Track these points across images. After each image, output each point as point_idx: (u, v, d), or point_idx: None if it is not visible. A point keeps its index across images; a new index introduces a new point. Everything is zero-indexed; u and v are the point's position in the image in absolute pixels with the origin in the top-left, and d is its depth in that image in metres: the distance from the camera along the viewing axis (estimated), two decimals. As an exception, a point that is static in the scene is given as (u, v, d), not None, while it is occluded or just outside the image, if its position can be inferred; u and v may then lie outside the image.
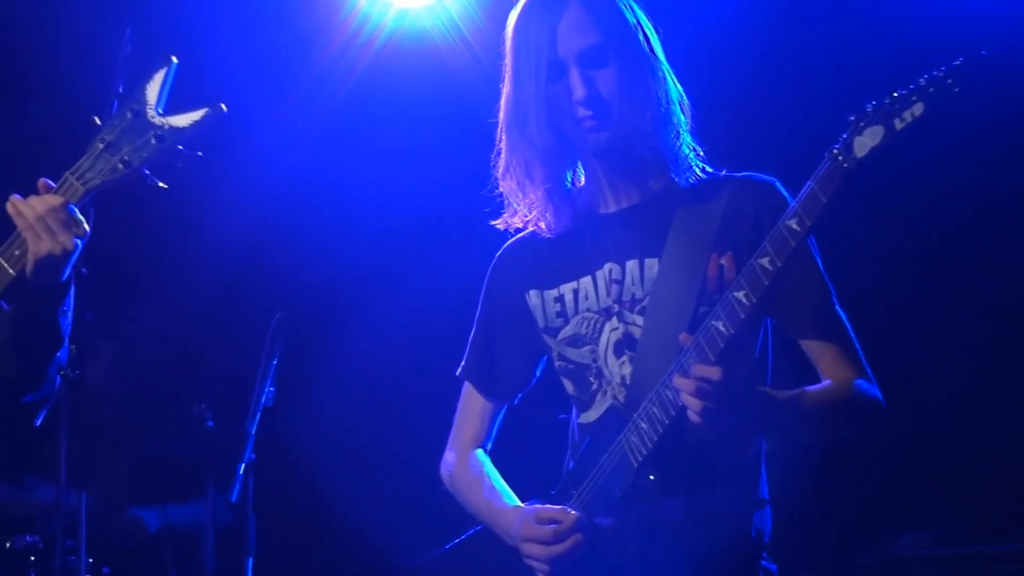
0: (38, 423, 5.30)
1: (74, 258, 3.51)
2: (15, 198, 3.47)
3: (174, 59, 3.50)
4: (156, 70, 3.50)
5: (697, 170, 3.58)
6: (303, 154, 7.07)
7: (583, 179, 3.71)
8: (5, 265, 3.48)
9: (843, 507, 6.28)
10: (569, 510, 3.48)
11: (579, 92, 3.49)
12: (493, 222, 3.75)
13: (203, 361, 7.18)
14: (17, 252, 3.48)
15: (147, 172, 3.51)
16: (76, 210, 3.47)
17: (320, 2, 6.84)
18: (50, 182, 3.50)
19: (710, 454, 3.43)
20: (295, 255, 7.24)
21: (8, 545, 6.01)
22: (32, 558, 6.05)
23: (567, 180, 3.67)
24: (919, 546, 5.88)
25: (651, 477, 3.37)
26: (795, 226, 3.17)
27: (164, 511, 6.65)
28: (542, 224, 3.68)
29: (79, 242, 3.48)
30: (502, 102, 3.67)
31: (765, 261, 3.20)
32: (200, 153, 3.53)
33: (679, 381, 3.25)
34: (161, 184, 3.55)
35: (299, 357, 6.29)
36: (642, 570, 3.42)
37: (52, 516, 5.80)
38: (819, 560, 5.92)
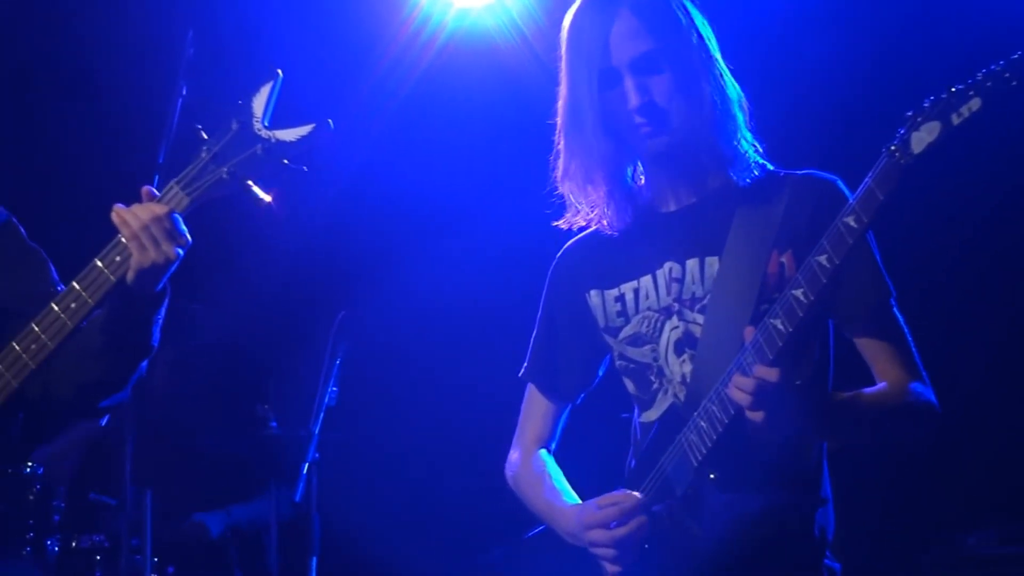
0: (103, 423, 5.39)
1: (174, 268, 3.51)
2: (119, 207, 3.48)
3: (280, 72, 3.54)
4: (263, 83, 3.53)
5: (756, 168, 3.59)
6: (365, 153, 7.10)
7: (643, 178, 3.73)
8: (106, 271, 3.49)
9: (909, 505, 6.25)
10: (631, 492, 3.49)
11: (634, 100, 3.50)
12: (556, 223, 3.77)
13: (266, 362, 7.23)
14: (118, 259, 3.48)
15: (251, 184, 3.52)
16: (180, 220, 3.48)
17: (382, 2, 6.89)
18: (154, 190, 3.51)
19: (770, 452, 3.42)
20: (358, 255, 7.29)
21: (75, 544, 6.09)
22: (98, 557, 6.12)
23: (628, 178, 3.69)
24: (985, 545, 5.86)
25: (711, 476, 3.37)
26: (852, 223, 3.17)
27: (228, 513, 6.71)
28: (604, 222, 3.70)
29: (181, 251, 3.49)
30: (559, 106, 3.69)
31: (823, 259, 3.20)
32: (305, 168, 3.55)
33: (738, 381, 3.26)
34: (264, 196, 3.57)
35: (362, 357, 6.33)
36: (705, 561, 3.42)
37: (118, 516, 5.86)
38: (884, 559, 5.90)
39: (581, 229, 3.79)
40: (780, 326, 3.24)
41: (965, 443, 5.93)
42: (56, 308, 3.50)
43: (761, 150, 3.64)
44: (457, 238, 7.07)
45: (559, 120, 3.69)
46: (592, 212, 3.70)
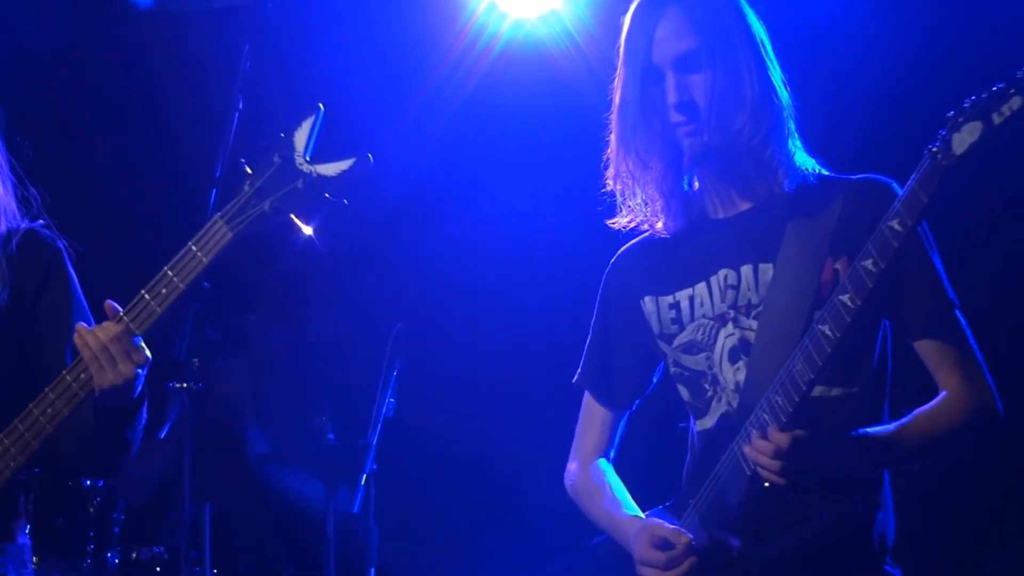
0: (162, 436, 5.47)
1: (139, 383, 3.60)
2: (81, 326, 3.57)
3: (321, 106, 3.58)
4: (305, 117, 3.58)
5: (809, 173, 3.61)
6: (421, 163, 7.15)
7: (697, 183, 3.75)
8: (74, 386, 3.59)
9: (973, 509, 6.18)
10: (683, 532, 3.48)
11: (672, 97, 3.54)
12: (609, 221, 3.79)
13: (324, 374, 7.28)
14: (83, 376, 3.58)
15: (293, 218, 3.58)
16: (140, 340, 3.54)
17: (437, 13, 6.93)
18: (116, 306, 3.58)
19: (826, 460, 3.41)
20: (414, 265, 7.31)
21: (135, 556, 6.15)
22: (158, 569, 6.18)
23: (683, 182, 3.71)
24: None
25: (765, 484, 3.35)
26: (897, 226, 3.18)
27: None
28: (657, 224, 3.73)
29: (140, 371, 3.56)
30: (613, 103, 3.73)
31: (868, 263, 3.21)
32: (346, 201, 3.60)
33: (757, 445, 3.30)
34: (306, 230, 3.63)
35: (419, 368, 6.37)
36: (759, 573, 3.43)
37: (177, 528, 5.92)
38: (947, 567, 5.86)
39: (634, 234, 3.83)
40: (828, 332, 3.26)
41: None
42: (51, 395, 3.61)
43: (812, 157, 3.66)
44: (513, 248, 7.09)
45: (612, 117, 3.73)
46: (645, 210, 3.73)
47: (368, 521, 6.08)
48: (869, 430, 3.39)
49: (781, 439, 3.25)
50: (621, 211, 3.77)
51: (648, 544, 3.50)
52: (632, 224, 3.79)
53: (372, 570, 6.08)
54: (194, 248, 3.56)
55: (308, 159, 3.56)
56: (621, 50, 3.70)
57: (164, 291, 3.55)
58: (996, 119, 3.06)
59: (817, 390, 3.41)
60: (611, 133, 3.74)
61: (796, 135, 3.63)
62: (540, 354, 6.75)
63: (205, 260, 3.55)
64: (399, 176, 7.02)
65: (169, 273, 3.56)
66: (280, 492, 6.88)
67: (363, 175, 3.56)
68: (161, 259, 3.59)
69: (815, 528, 3.43)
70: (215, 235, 3.56)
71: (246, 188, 3.58)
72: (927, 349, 3.53)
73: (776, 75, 3.63)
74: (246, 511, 6.77)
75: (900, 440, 3.41)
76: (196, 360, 5.63)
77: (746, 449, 3.35)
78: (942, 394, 3.50)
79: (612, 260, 3.94)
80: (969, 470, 5.87)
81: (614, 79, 3.73)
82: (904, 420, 3.45)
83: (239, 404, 6.89)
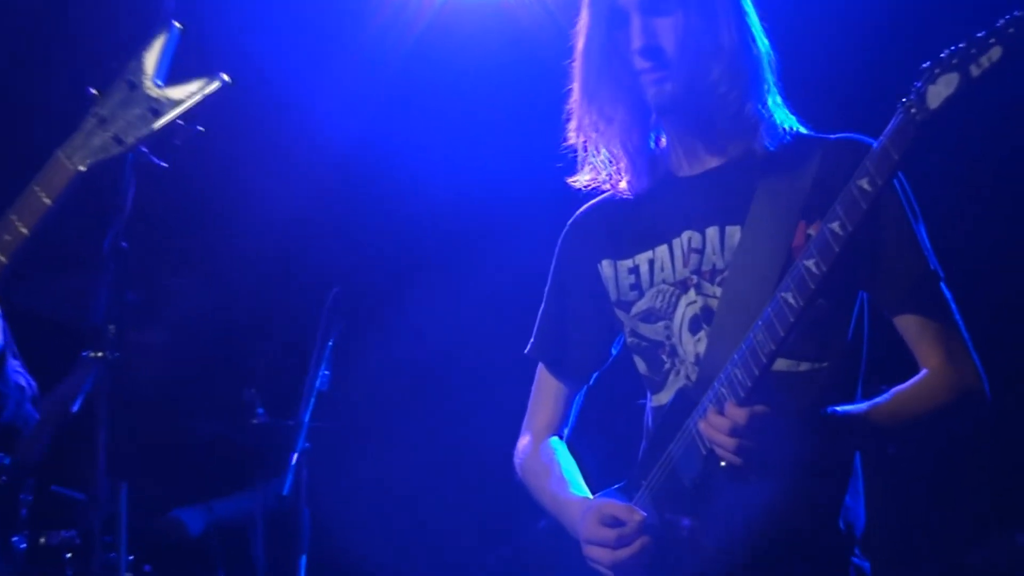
0: (75, 409, 5.43)
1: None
2: None
3: (177, 24, 3.52)
4: (156, 35, 3.51)
5: (787, 132, 3.60)
6: (360, 118, 7.14)
7: (664, 140, 3.75)
8: None
9: (950, 498, 6.22)
10: (635, 509, 3.49)
11: (637, 41, 3.51)
12: (570, 179, 3.79)
13: (253, 344, 7.27)
14: None
15: (144, 150, 3.54)
16: None
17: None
18: None
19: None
20: (352, 226, 7.31)
21: (43, 541, 6.10)
22: (68, 555, 6.13)
23: (649, 139, 3.71)
24: (1034, 546, 5.86)
25: (722, 464, 3.34)
26: (866, 186, 3.16)
27: (209, 508, 6.74)
28: (621, 183, 3.73)
29: None
30: (576, 52, 3.71)
31: (835, 226, 3.20)
32: (201, 129, 3.56)
33: (712, 420, 3.30)
34: (161, 164, 3.58)
35: (357, 337, 6.36)
36: (717, 569, 3.42)
37: (90, 510, 5.89)
38: (921, 558, 5.88)
39: (594, 194, 3.82)
40: (791, 300, 3.25)
41: (1015, 434, 5.93)
42: None
43: (789, 113, 3.65)
44: (463, 207, 7.11)
45: (575, 65, 3.71)
46: (608, 168, 3.73)
47: (300, 504, 6.07)
48: (839, 408, 3.39)
49: (738, 414, 3.24)
50: (582, 168, 3.77)
51: (596, 522, 3.49)
52: (594, 184, 3.78)
53: (303, 557, 6.08)
54: (36, 188, 3.51)
55: (159, 83, 3.50)
56: None
57: (8, 238, 3.52)
58: (974, 71, 3.04)
59: (783, 364, 3.43)
60: (574, 82, 3.72)
61: (776, 90, 3.62)
62: (490, 322, 6.74)
63: (48, 201, 3.50)
64: (337, 130, 7.01)
65: (12, 218, 3.52)
66: (204, 471, 6.84)
67: (219, 98, 3.50)
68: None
69: (775, 513, 3.39)
70: (57, 171, 3.51)
71: (89, 117, 3.52)
72: (907, 324, 3.53)
73: (755, 22, 3.61)
74: (166, 491, 6.73)
75: (873, 420, 3.41)
76: (113, 327, 5.58)
77: (701, 425, 3.35)
78: (922, 372, 3.50)
79: (569, 221, 3.93)
80: (946, 454, 5.93)
81: (576, 22, 3.71)
82: (879, 399, 3.44)
83: (160, 375, 6.85)
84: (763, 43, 3.61)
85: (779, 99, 3.63)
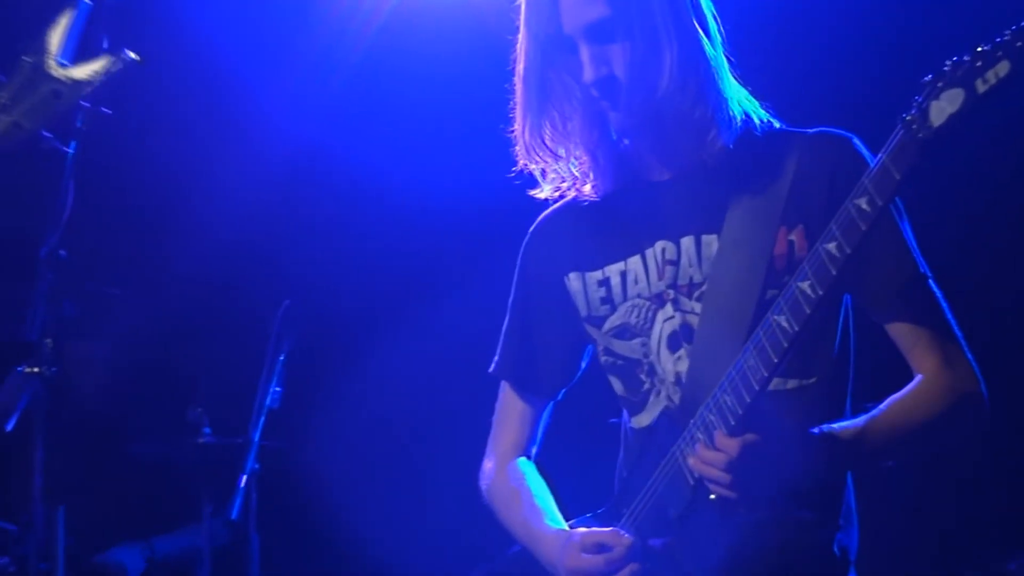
0: (9, 428, 5.36)
1: None
2: None
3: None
4: (62, 11, 3.44)
5: (756, 126, 3.57)
6: (315, 119, 7.12)
7: (627, 140, 3.69)
8: None
9: (942, 523, 6.25)
10: (622, 533, 3.46)
11: (588, 74, 3.48)
12: (532, 192, 3.76)
13: (199, 359, 7.21)
14: None
15: (46, 135, 3.49)
16: None
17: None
18: None
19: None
20: (305, 235, 7.29)
21: (-27, 567, 6.06)
22: (2, 584, 6.09)
23: (611, 135, 3.65)
24: (1030, 571, 5.86)
25: (711, 497, 3.32)
26: (865, 206, 3.12)
27: (150, 547, 6.69)
28: (586, 188, 3.69)
29: None
30: (517, 74, 3.67)
31: (832, 247, 3.17)
32: (107, 111, 3.49)
33: (703, 455, 3.27)
34: (64, 149, 3.51)
35: (309, 353, 6.32)
36: None
37: (25, 535, 5.82)
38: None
39: (555, 198, 3.79)
40: (785, 324, 3.22)
41: (1009, 453, 5.92)
42: None
43: (761, 110, 3.62)
44: (420, 214, 7.07)
45: (517, 86, 3.68)
46: (572, 172, 3.69)
47: (248, 529, 6.01)
48: (835, 426, 3.36)
49: (730, 446, 3.22)
50: (544, 181, 3.73)
51: (580, 552, 3.46)
52: (558, 193, 3.75)
53: (252, 587, 6.04)
54: None
55: (63, 62, 3.43)
56: (522, 11, 3.64)
57: None
58: (980, 87, 2.99)
59: (771, 383, 3.36)
60: (516, 106, 3.69)
61: (733, 87, 3.58)
62: (451, 338, 6.72)
63: None
64: (289, 137, 6.98)
65: None
66: (145, 498, 6.78)
67: (124, 76, 3.44)
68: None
69: (768, 541, 3.39)
70: None
71: None
72: (898, 328, 3.51)
73: (699, 22, 3.55)
74: (106, 516, 6.67)
75: (872, 435, 3.38)
76: (50, 341, 5.53)
77: (691, 461, 3.32)
78: (917, 379, 3.48)
79: (531, 228, 3.90)
80: (938, 478, 5.93)
81: (516, 41, 3.67)
82: (875, 412, 3.42)
83: (99, 392, 6.79)
84: (710, 45, 3.56)
85: (744, 93, 3.61)
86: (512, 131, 3.72)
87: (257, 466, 5.97)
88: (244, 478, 5.88)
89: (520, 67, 3.64)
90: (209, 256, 7.10)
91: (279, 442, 6.19)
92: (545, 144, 3.63)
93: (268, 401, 6.06)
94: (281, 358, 6.14)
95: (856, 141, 3.52)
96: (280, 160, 7.08)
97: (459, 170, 6.76)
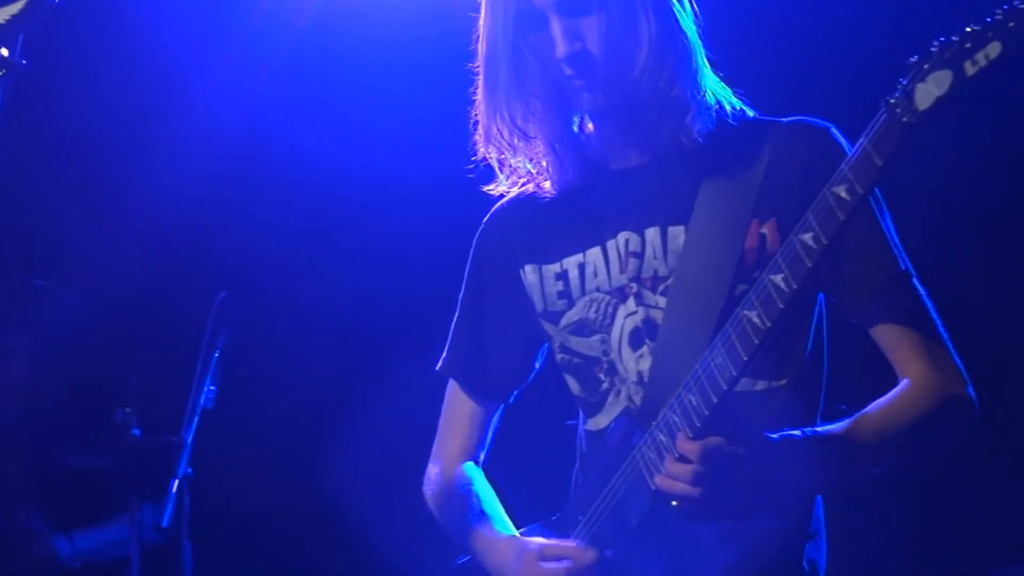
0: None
1: None
2: None
3: None
4: None
5: (729, 114, 3.57)
6: (250, 108, 7.09)
7: (591, 126, 3.70)
8: None
9: (922, 534, 6.28)
10: (584, 547, 3.46)
11: (561, 48, 3.47)
12: (486, 188, 3.76)
13: (128, 355, 7.16)
14: None
15: None
16: None
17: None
18: None
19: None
20: (242, 226, 7.25)
21: None
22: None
23: (572, 124, 3.66)
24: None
25: (673, 503, 3.30)
26: (844, 194, 3.11)
27: (71, 540, 6.65)
28: (545, 183, 3.69)
29: None
30: (478, 52, 3.67)
31: (808, 237, 3.16)
32: (24, 61, 3.43)
33: (669, 468, 3.25)
34: None
35: (247, 348, 6.28)
36: None
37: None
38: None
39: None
40: (756, 320, 3.21)
41: (995, 459, 5.93)
42: None
43: (734, 97, 3.62)
44: (363, 204, 7.05)
45: (479, 68, 3.67)
46: (530, 168, 3.69)
47: (181, 537, 5.97)
48: (819, 429, 3.36)
49: (692, 449, 3.20)
50: (500, 173, 3.72)
51: (537, 561, 3.46)
52: (516, 189, 3.75)
53: (183, 596, 6.00)
54: None
55: None
56: None
57: None
58: (969, 68, 2.98)
59: (739, 384, 3.36)
60: (478, 89, 3.67)
61: (708, 70, 3.59)
62: (398, 334, 6.73)
63: None
64: (224, 120, 6.96)
65: None
66: (67, 497, 6.73)
67: (38, 21, 3.39)
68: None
69: (733, 553, 3.40)
70: None
71: None
72: (880, 329, 3.50)
73: (676, 4, 3.56)
74: (26, 521, 6.62)
75: (858, 439, 3.37)
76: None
77: (657, 479, 3.29)
78: (904, 382, 3.47)
79: (485, 218, 3.90)
80: (916, 485, 5.94)
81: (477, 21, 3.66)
82: (859, 415, 3.41)
83: (20, 389, 6.74)
84: (687, 24, 3.58)
85: (714, 78, 3.61)
86: (472, 116, 3.71)
87: (190, 470, 5.92)
88: (176, 482, 5.83)
89: (483, 46, 3.63)
90: (141, 246, 7.07)
91: (214, 444, 6.15)
92: (510, 128, 3.61)
93: (202, 400, 6.01)
94: (216, 354, 6.09)
95: (834, 131, 3.51)
96: (216, 147, 7.05)
97: (405, 156, 6.79)
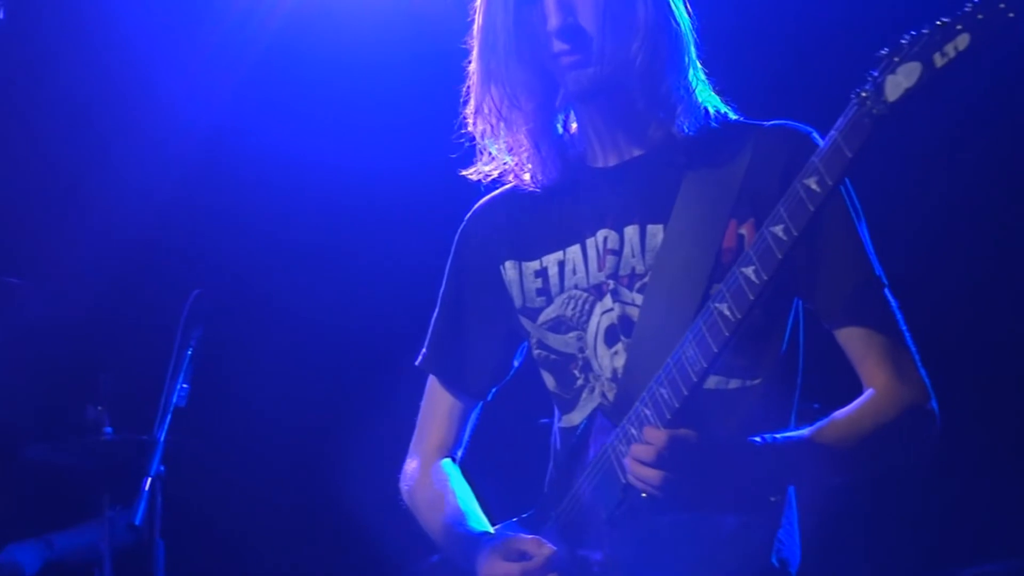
0: None
1: None
2: None
3: None
4: None
5: (713, 117, 3.59)
6: (222, 107, 7.14)
7: (575, 125, 3.73)
8: None
9: (892, 532, 6.32)
10: (544, 542, 3.45)
11: (553, 21, 3.50)
12: (464, 171, 3.77)
13: (100, 353, 7.16)
14: None
15: None
16: None
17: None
18: None
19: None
20: (215, 224, 7.25)
21: None
22: None
23: (557, 123, 3.69)
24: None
25: (643, 495, 3.31)
26: (814, 186, 3.14)
27: (48, 544, 6.64)
28: (525, 175, 3.71)
29: None
30: (474, 25, 3.69)
31: (778, 229, 3.18)
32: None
33: (636, 451, 3.25)
34: None
35: (221, 346, 6.30)
36: None
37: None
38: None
39: (495, 185, 3.80)
40: (727, 312, 3.23)
41: (962, 459, 5.96)
42: None
43: (717, 97, 3.64)
44: (340, 200, 7.07)
45: (473, 42, 3.69)
46: (510, 159, 3.71)
47: (153, 535, 5.98)
48: (778, 436, 3.37)
49: (658, 437, 3.22)
50: (481, 158, 3.74)
51: (499, 558, 3.47)
52: (494, 175, 3.76)
53: (156, 595, 6.01)
54: None
55: None
56: None
57: None
58: (939, 60, 3.01)
59: (711, 381, 3.42)
60: (472, 61, 3.70)
61: (698, 66, 3.62)
62: (375, 330, 6.74)
63: None
64: (197, 117, 6.97)
65: None
66: (42, 499, 6.73)
67: None
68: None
69: (702, 550, 3.41)
70: None
71: None
72: (849, 337, 3.52)
73: None
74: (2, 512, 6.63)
75: (817, 448, 3.38)
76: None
77: (626, 461, 3.30)
78: (868, 392, 3.49)
79: (467, 215, 3.91)
80: (894, 489, 5.98)
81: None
82: (820, 423, 3.42)
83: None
84: (683, 17, 3.61)
85: (702, 77, 3.63)
86: (463, 91, 3.73)
87: (162, 468, 5.92)
88: (148, 481, 5.83)
89: (480, 17, 3.65)
90: (113, 243, 7.08)
91: (186, 442, 6.15)
92: (502, 97, 3.62)
93: (174, 398, 6.01)
94: (189, 352, 6.09)
95: (816, 136, 3.53)
96: (188, 145, 7.08)
97: (377, 153, 6.78)
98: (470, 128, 3.72)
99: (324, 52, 6.97)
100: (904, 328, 3.51)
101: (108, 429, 6.50)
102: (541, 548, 3.43)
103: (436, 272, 3.97)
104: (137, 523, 5.71)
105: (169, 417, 5.95)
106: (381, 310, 6.71)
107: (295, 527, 7.15)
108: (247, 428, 7.12)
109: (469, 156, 3.76)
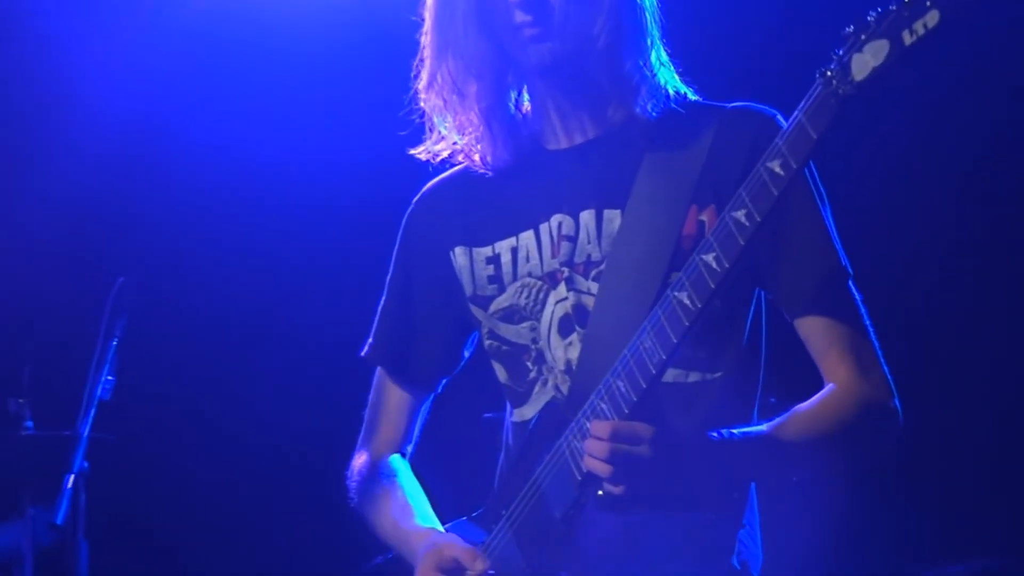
0: None
1: None
2: None
3: None
4: None
5: (674, 98, 3.57)
6: (142, 92, 7.09)
7: (528, 105, 3.70)
8: None
9: (852, 538, 6.34)
10: (479, 554, 3.44)
11: None
12: (412, 151, 3.73)
13: (20, 344, 7.10)
14: None
15: None
16: None
17: None
18: None
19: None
20: (140, 211, 7.22)
21: None
22: None
23: (510, 102, 3.66)
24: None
25: (599, 493, 3.29)
26: (778, 169, 3.12)
27: None
28: (475, 156, 3.68)
29: None
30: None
31: (740, 215, 3.16)
32: None
33: (591, 446, 3.23)
34: None
35: (148, 337, 6.25)
36: None
37: None
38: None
39: (445, 166, 3.76)
40: (687, 301, 3.21)
41: (928, 459, 5.99)
42: None
43: (678, 77, 3.62)
44: (274, 181, 7.05)
45: (427, 13, 3.66)
46: (461, 139, 3.68)
47: (76, 535, 5.93)
48: (736, 431, 3.35)
49: (606, 428, 3.19)
50: (431, 135, 3.70)
51: (434, 567, 3.44)
52: (443, 155, 3.72)
53: (80, 598, 5.96)
54: None
55: None
56: None
57: None
58: (907, 38, 2.99)
59: (670, 374, 3.40)
60: (426, 33, 3.66)
61: (661, 47, 3.60)
62: (317, 319, 6.70)
63: None
64: (122, 97, 6.93)
65: None
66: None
67: None
68: None
69: (660, 550, 3.40)
70: None
71: None
72: (811, 328, 3.51)
73: None
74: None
75: (777, 444, 3.38)
76: None
77: (586, 460, 3.27)
78: (828, 387, 3.49)
79: (415, 198, 3.88)
80: (860, 489, 5.99)
81: None
82: (780, 418, 3.42)
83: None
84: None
85: (665, 59, 3.61)
86: (415, 65, 3.70)
87: (86, 464, 5.88)
88: (71, 477, 5.78)
89: None
90: (36, 230, 7.03)
91: (111, 437, 6.11)
92: (457, 68, 3.59)
93: (99, 391, 5.97)
94: (114, 343, 6.05)
95: (780, 118, 3.50)
96: (110, 133, 7.04)
97: (315, 140, 6.78)
98: (422, 103, 3.69)
99: (250, 34, 6.94)
100: (868, 323, 3.51)
101: (29, 423, 6.46)
102: (476, 563, 3.41)
103: (382, 259, 3.93)
104: (59, 522, 5.68)
105: (93, 411, 5.91)
106: (324, 300, 6.68)
107: (223, 526, 7.10)
108: (174, 421, 7.08)
109: (417, 136, 3.72)
